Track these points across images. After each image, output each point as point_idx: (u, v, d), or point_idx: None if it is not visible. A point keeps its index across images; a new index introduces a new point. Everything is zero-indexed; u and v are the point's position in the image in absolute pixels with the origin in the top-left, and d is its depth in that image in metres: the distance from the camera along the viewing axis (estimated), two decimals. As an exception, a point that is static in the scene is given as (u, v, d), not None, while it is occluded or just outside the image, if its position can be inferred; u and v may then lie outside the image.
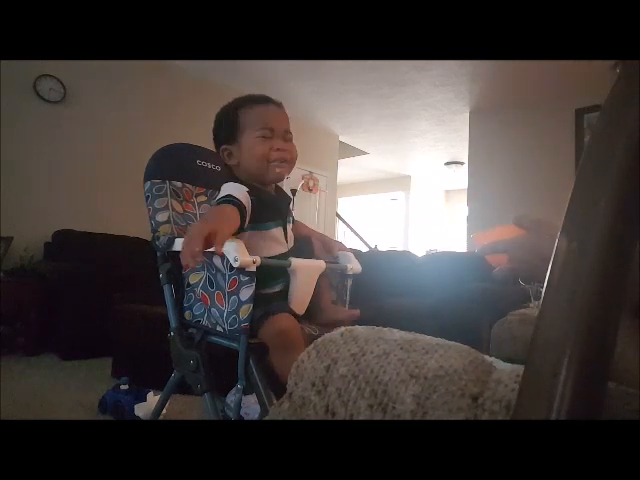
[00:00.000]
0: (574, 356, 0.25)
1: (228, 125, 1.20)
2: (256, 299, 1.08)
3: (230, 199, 1.06)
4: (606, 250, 0.26)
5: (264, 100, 1.20)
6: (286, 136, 1.19)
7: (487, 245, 0.79)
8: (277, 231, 1.22)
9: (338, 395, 0.46)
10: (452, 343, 0.49)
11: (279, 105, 1.22)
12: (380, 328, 0.55)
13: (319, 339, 0.55)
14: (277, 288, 1.18)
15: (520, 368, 0.41)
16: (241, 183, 1.14)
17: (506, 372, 0.42)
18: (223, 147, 1.21)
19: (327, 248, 1.36)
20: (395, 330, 0.54)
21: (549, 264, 0.50)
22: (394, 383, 0.43)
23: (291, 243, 1.28)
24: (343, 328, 0.55)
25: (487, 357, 0.48)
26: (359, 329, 0.54)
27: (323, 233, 1.39)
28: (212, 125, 1.24)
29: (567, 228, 0.28)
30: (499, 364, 0.48)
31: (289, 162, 1.19)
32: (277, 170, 1.17)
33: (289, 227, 1.27)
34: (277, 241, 1.22)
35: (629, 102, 0.27)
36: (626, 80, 0.28)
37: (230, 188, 1.10)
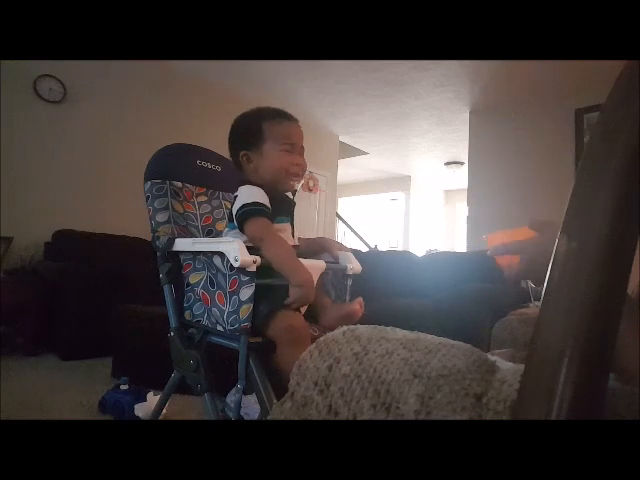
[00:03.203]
0: (574, 356, 0.24)
1: (252, 133, 1.28)
2: (261, 289, 1.08)
3: (260, 208, 1.17)
4: (606, 250, 0.26)
5: (288, 117, 1.31)
6: (302, 152, 1.30)
7: (499, 246, 0.81)
8: (286, 226, 1.30)
9: (341, 395, 0.46)
10: (455, 342, 0.49)
11: (297, 122, 1.33)
12: (382, 327, 0.55)
13: (321, 338, 0.55)
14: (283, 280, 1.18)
15: (523, 369, 0.41)
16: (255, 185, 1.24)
17: (510, 371, 0.42)
18: (243, 152, 1.29)
19: (327, 248, 1.37)
20: (398, 329, 0.54)
21: None
22: (397, 382, 0.43)
23: (296, 243, 1.34)
24: (345, 327, 0.55)
25: (490, 356, 0.48)
26: (361, 328, 0.53)
27: (323, 233, 1.43)
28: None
29: (567, 228, 0.28)
30: (502, 364, 0.47)
31: (302, 176, 1.30)
32: (292, 183, 1.28)
33: (294, 229, 1.35)
34: (286, 234, 1.28)
35: (629, 102, 0.27)
36: (626, 80, 0.28)
37: (252, 193, 1.20)
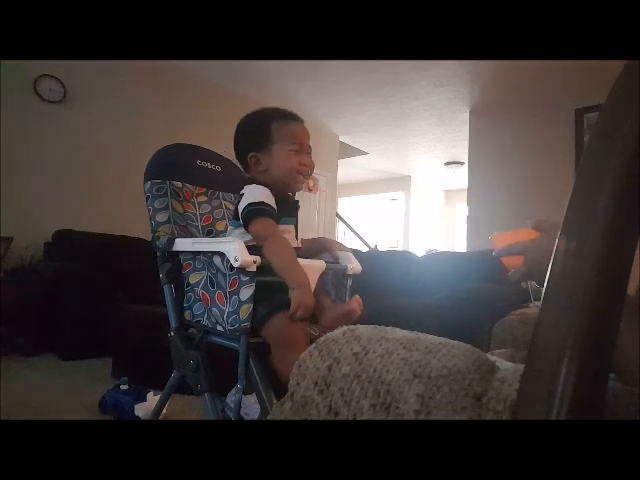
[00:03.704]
0: (574, 356, 0.24)
1: (260, 134, 1.27)
2: (261, 291, 1.09)
3: (266, 208, 1.18)
4: (606, 250, 0.26)
5: (295, 117, 1.31)
6: (309, 151, 1.30)
7: (504, 247, 0.82)
8: (290, 228, 1.30)
9: (341, 395, 0.46)
10: (455, 342, 0.49)
11: (303, 122, 1.33)
12: (382, 327, 0.55)
13: (321, 338, 0.55)
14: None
15: (523, 369, 0.41)
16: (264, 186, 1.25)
17: (510, 371, 0.42)
18: (252, 154, 1.28)
19: (327, 248, 1.37)
20: (398, 329, 0.54)
21: None
22: (397, 382, 0.43)
23: (299, 244, 1.35)
24: (345, 327, 0.55)
25: (490, 356, 0.48)
26: (361, 328, 0.54)
27: (323, 233, 1.43)
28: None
29: (567, 228, 0.28)
30: (502, 364, 0.47)
31: (310, 175, 1.32)
32: (301, 182, 1.29)
33: (298, 230, 1.36)
34: (290, 235, 1.29)
35: (629, 102, 0.27)
36: (626, 80, 0.28)
37: (259, 193, 1.20)
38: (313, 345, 0.54)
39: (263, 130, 1.26)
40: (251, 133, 1.29)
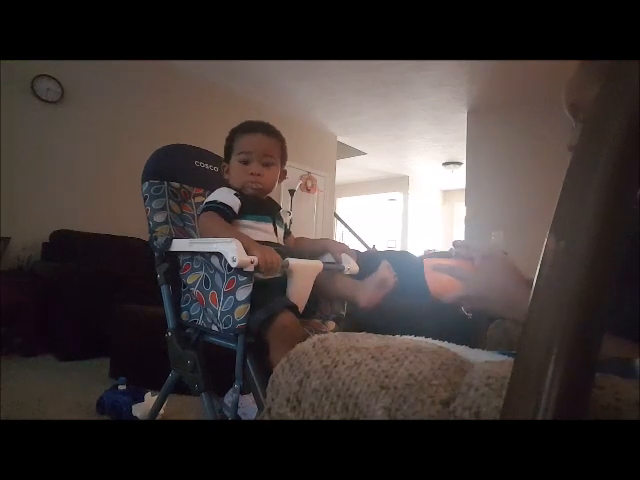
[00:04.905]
0: (561, 354, 0.25)
1: (227, 147, 1.40)
2: (258, 295, 1.09)
3: (212, 205, 1.27)
4: (593, 249, 0.26)
5: (254, 128, 1.38)
6: (264, 160, 1.35)
7: (440, 262, 0.82)
8: (266, 225, 1.35)
9: (312, 411, 0.46)
10: (424, 345, 0.49)
11: (269, 133, 1.38)
12: (353, 335, 0.55)
13: (292, 351, 0.55)
14: (277, 273, 1.18)
15: (492, 369, 0.41)
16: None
17: (478, 374, 0.41)
18: (223, 163, 1.41)
19: (330, 251, 1.37)
20: (369, 335, 0.55)
21: (502, 299, 0.63)
22: (365, 395, 0.43)
23: (281, 241, 1.38)
24: (315, 338, 0.55)
25: (465, 353, 0.49)
26: (331, 339, 0.54)
27: (321, 233, 1.44)
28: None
29: (556, 228, 0.28)
30: (478, 358, 0.48)
31: (263, 184, 1.35)
32: (250, 191, 1.34)
33: (279, 229, 1.39)
34: (265, 231, 1.33)
35: (614, 107, 0.27)
36: (611, 86, 0.29)
37: (216, 193, 1.32)
38: (284, 359, 0.55)
39: (229, 143, 1.39)
40: (225, 146, 1.41)
